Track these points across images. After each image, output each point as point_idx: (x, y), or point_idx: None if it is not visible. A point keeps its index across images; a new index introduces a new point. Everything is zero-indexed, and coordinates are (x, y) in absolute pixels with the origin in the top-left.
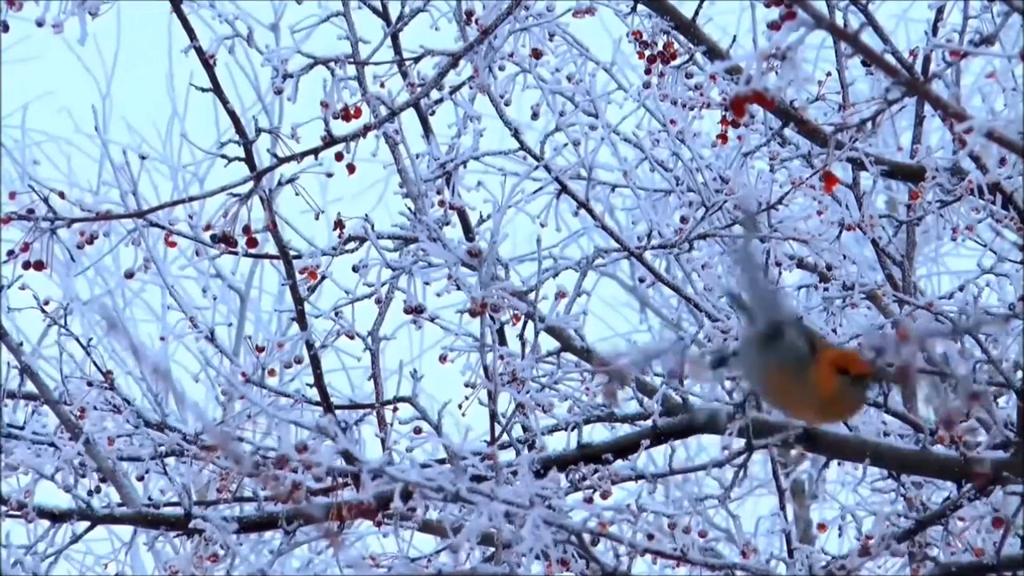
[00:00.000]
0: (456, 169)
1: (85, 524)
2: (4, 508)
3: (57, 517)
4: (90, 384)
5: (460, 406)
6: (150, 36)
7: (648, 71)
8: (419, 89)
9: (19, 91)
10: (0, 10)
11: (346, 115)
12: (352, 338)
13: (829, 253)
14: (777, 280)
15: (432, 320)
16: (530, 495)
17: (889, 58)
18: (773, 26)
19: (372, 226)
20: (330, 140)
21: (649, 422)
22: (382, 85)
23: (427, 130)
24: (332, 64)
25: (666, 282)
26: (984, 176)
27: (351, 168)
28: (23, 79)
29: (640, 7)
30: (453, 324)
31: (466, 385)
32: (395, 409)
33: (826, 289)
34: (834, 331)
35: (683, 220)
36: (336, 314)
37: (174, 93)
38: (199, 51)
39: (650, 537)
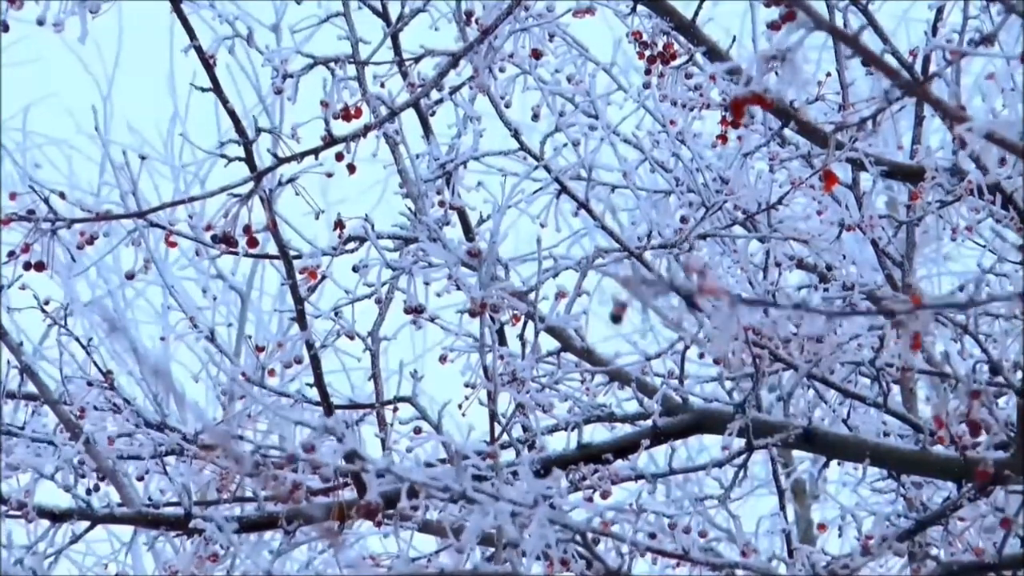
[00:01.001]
0: (456, 169)
1: (85, 524)
2: (4, 508)
3: (57, 517)
4: (90, 384)
5: (460, 406)
6: (151, 37)
7: (648, 72)
8: (419, 89)
9: (21, 93)
10: (0, 10)
11: (346, 115)
12: (352, 338)
13: (829, 253)
14: (777, 280)
15: (432, 320)
16: (534, 494)
17: (889, 59)
18: (773, 26)
19: (372, 226)
20: (330, 140)
21: (649, 422)
22: (382, 85)
23: (427, 130)
24: (332, 64)
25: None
26: (984, 177)
27: (351, 168)
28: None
29: (640, 7)
30: (453, 324)
31: (466, 385)
32: (395, 409)
33: (826, 289)
34: (834, 332)
35: (683, 220)
36: (336, 314)
37: (175, 94)
38: (199, 51)
39: (652, 536)
